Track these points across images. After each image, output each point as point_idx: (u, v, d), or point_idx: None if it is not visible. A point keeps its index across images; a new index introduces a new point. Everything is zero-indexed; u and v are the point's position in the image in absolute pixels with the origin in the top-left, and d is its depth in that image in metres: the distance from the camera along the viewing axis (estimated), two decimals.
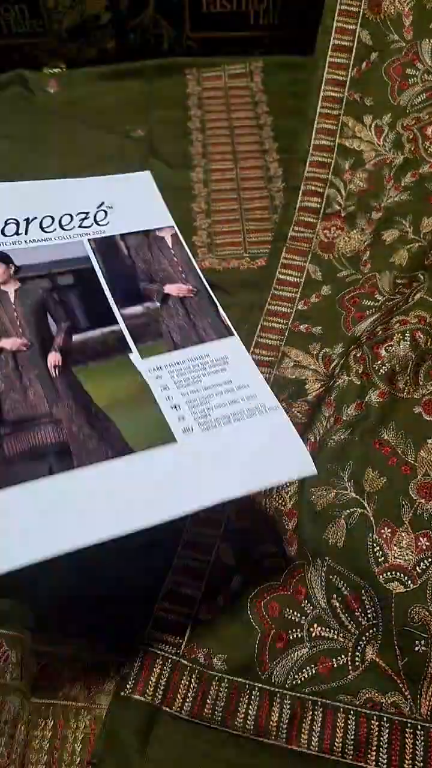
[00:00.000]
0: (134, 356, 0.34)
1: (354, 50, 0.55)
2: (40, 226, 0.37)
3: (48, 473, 0.28)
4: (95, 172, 0.61)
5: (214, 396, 0.32)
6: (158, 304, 0.37)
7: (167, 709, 0.33)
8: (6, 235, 0.36)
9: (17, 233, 0.36)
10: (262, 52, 0.71)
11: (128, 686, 0.34)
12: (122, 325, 0.35)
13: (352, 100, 0.55)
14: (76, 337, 0.34)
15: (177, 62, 0.70)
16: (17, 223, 0.36)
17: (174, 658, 0.35)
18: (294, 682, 0.33)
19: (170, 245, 0.40)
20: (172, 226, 0.41)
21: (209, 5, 0.67)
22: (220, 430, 0.31)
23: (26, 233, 0.37)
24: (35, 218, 0.37)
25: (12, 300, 0.34)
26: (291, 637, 0.34)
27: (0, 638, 0.37)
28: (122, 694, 0.34)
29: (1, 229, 0.36)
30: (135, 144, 0.63)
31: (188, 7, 0.67)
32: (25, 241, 0.37)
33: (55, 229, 0.37)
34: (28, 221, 0.37)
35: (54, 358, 0.33)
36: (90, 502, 0.28)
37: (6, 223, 0.36)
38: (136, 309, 0.36)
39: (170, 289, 0.38)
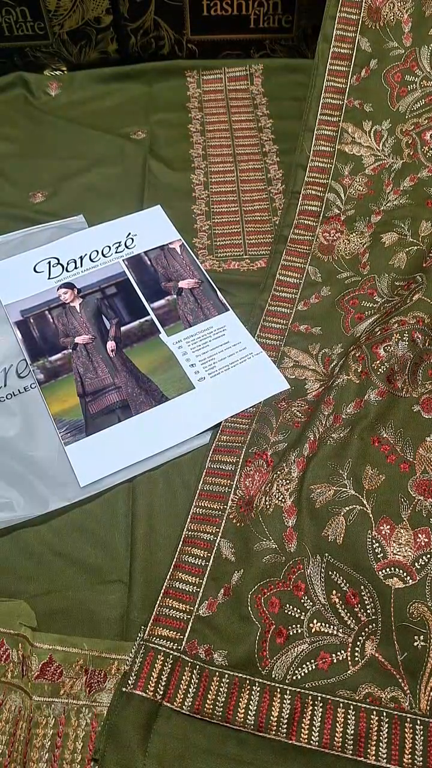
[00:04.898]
0: (162, 335, 0.49)
1: (353, 58, 0.56)
2: (90, 259, 0.54)
3: (117, 421, 0.45)
4: (95, 174, 0.61)
5: (217, 354, 0.48)
6: (175, 296, 0.52)
7: (168, 704, 0.33)
8: (70, 271, 0.54)
9: (76, 267, 0.54)
10: (262, 55, 0.72)
11: (129, 683, 0.34)
12: (152, 315, 0.51)
13: (351, 107, 0.55)
14: (123, 329, 0.50)
15: (178, 65, 0.70)
16: (75, 261, 0.54)
17: (175, 654, 0.35)
18: (294, 678, 0.34)
19: (179, 252, 0.55)
20: (180, 239, 0.56)
21: (210, 8, 0.68)
22: (223, 375, 0.47)
23: (82, 266, 0.54)
24: (86, 254, 0.54)
25: (79, 311, 0.51)
26: (291, 633, 0.35)
27: (1, 637, 0.37)
28: (123, 690, 0.34)
29: (66, 267, 0.54)
30: (135, 146, 0.64)
31: (189, 10, 0.68)
32: (82, 272, 0.54)
33: (100, 258, 0.54)
34: (82, 258, 0.54)
35: (111, 345, 0.49)
36: (145, 433, 0.44)
37: (68, 263, 0.54)
38: (161, 302, 0.52)
39: (182, 284, 0.52)
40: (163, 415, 0.45)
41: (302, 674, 0.34)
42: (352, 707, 0.33)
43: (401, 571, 0.34)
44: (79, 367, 0.48)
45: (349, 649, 0.34)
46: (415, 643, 0.33)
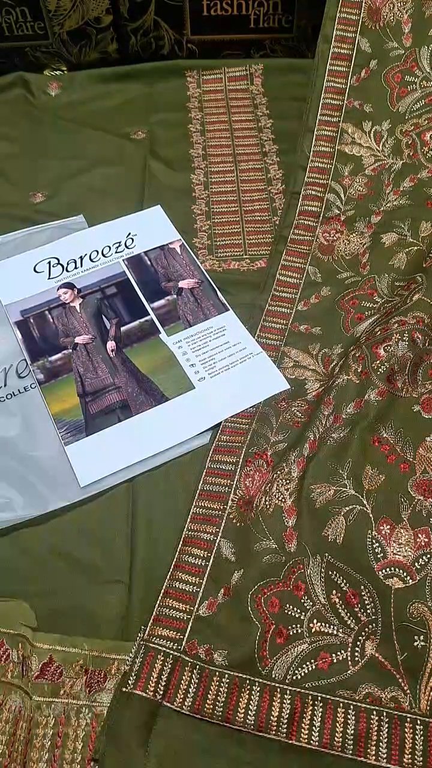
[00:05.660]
0: (162, 335, 0.50)
1: (353, 58, 0.56)
2: (90, 259, 0.54)
3: (117, 421, 0.45)
4: (95, 174, 0.61)
5: (217, 354, 0.48)
6: (175, 296, 0.52)
7: (168, 704, 0.33)
8: (70, 271, 0.54)
9: (76, 267, 0.54)
10: (263, 55, 0.72)
11: (129, 683, 0.34)
12: (152, 315, 0.51)
13: (351, 108, 0.55)
14: (123, 329, 0.50)
15: (178, 65, 0.70)
16: (75, 261, 0.54)
17: (175, 654, 0.35)
18: (294, 678, 0.34)
19: (179, 252, 0.55)
20: (180, 239, 0.56)
21: (210, 8, 0.68)
22: (223, 375, 0.47)
23: (82, 266, 0.54)
24: (86, 254, 0.55)
25: (79, 311, 0.51)
26: (291, 633, 0.35)
27: (1, 637, 0.37)
28: (123, 690, 0.34)
29: (66, 267, 0.54)
30: (135, 146, 0.64)
31: (189, 10, 0.68)
32: (82, 272, 0.54)
33: (100, 259, 0.54)
34: (82, 258, 0.54)
35: (111, 345, 0.49)
36: (145, 433, 0.44)
37: (68, 263, 0.54)
38: (161, 302, 0.52)
39: (182, 284, 0.52)
40: (163, 415, 0.45)
41: (302, 674, 0.34)
42: (352, 707, 0.33)
43: (401, 571, 0.34)
44: (79, 367, 0.48)
45: (349, 649, 0.34)
46: (415, 643, 0.33)
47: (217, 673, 0.34)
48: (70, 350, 0.49)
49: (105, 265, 0.54)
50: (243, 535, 0.38)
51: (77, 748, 0.33)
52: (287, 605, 0.35)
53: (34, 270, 0.54)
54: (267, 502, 0.38)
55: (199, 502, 0.41)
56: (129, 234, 0.56)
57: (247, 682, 0.34)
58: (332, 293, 0.50)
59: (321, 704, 0.33)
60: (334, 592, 0.35)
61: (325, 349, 0.47)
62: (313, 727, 0.32)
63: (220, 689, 0.34)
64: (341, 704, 0.33)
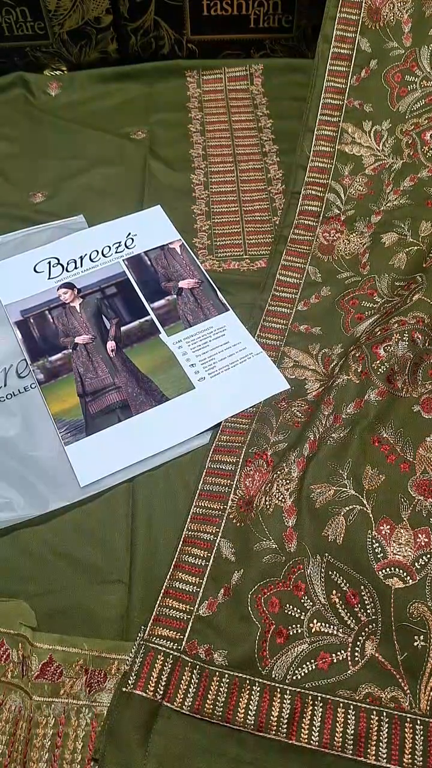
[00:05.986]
0: (162, 335, 0.50)
1: (353, 58, 0.56)
2: (90, 259, 0.54)
3: (117, 421, 0.45)
4: (95, 174, 0.61)
5: (217, 354, 0.48)
6: (175, 296, 0.52)
7: (168, 704, 0.33)
8: (70, 271, 0.54)
9: (76, 267, 0.54)
10: (263, 55, 0.72)
11: (129, 682, 0.34)
12: (152, 315, 0.51)
13: (351, 107, 0.55)
14: (123, 329, 0.50)
15: (178, 65, 0.70)
16: (75, 261, 0.54)
17: (175, 654, 0.35)
18: (294, 678, 0.34)
19: (179, 252, 0.55)
20: (180, 239, 0.56)
21: (210, 8, 0.68)
22: (223, 375, 0.47)
23: (82, 266, 0.54)
24: (86, 254, 0.55)
25: (79, 311, 0.51)
26: (291, 633, 0.35)
27: (1, 637, 0.37)
28: (123, 690, 0.34)
29: (66, 267, 0.54)
30: (135, 146, 0.64)
31: (189, 10, 0.68)
32: (82, 272, 0.54)
33: (100, 258, 0.54)
34: (82, 258, 0.54)
35: (111, 345, 0.49)
36: (145, 433, 0.44)
37: (68, 263, 0.54)
38: (161, 302, 0.52)
39: (182, 284, 0.53)
40: (163, 415, 0.45)
41: (302, 674, 0.34)
42: (352, 707, 0.33)
43: (401, 571, 0.34)
44: (79, 367, 0.48)
45: (349, 649, 0.34)
46: (415, 643, 0.33)
47: (217, 673, 0.34)
48: (70, 350, 0.49)
49: (105, 265, 0.54)
50: (243, 535, 0.38)
51: (77, 748, 0.33)
52: (287, 605, 0.35)
53: (34, 270, 0.54)
54: (267, 502, 0.38)
55: (199, 502, 0.41)
56: (129, 234, 0.56)
57: (247, 682, 0.34)
58: (332, 293, 0.50)
59: (321, 704, 0.33)
60: (334, 592, 0.35)
61: (325, 349, 0.47)
62: (313, 727, 0.32)
63: (220, 689, 0.34)
64: (341, 704, 0.33)
